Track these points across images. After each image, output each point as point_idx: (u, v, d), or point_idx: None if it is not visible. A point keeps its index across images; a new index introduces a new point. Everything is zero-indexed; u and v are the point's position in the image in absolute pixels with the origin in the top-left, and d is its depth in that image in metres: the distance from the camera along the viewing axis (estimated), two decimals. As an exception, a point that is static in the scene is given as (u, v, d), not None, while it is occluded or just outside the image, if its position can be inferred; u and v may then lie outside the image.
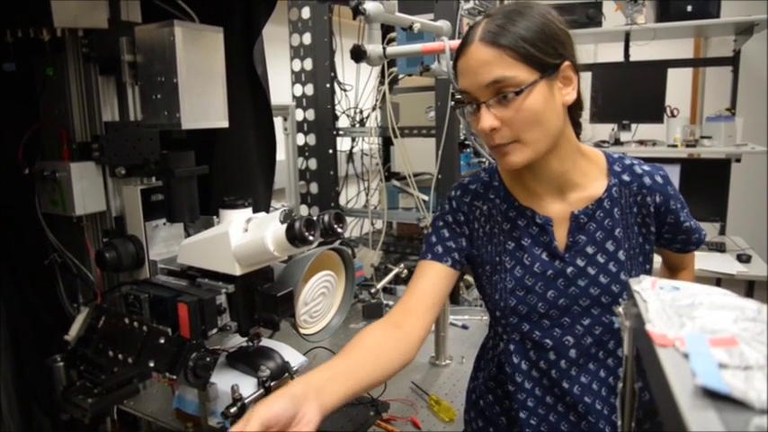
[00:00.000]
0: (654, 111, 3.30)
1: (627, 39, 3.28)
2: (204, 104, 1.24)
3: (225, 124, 1.30)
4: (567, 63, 0.99)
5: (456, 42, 1.78)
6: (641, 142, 3.35)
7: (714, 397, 0.51)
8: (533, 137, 0.99)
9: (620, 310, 0.84)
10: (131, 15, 1.36)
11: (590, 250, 1.09)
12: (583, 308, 1.09)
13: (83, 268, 1.38)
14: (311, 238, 1.08)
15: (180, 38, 1.16)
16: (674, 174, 3.16)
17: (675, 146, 3.23)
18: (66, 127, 1.34)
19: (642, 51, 3.35)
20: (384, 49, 1.86)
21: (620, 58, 3.41)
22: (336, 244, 1.34)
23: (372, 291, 2.36)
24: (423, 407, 1.68)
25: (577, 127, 1.11)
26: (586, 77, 3.35)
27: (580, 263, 1.09)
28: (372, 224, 3.10)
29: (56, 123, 1.35)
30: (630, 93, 3.31)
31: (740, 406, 0.49)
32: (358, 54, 1.85)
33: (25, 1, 1.20)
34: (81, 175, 1.32)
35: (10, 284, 1.34)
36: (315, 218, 1.11)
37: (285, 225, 1.09)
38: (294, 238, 1.07)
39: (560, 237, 1.11)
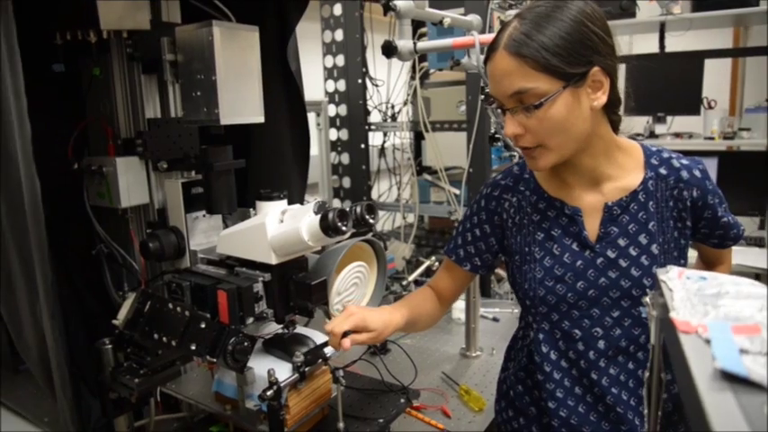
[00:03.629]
0: (690, 102, 3.24)
1: (662, 29, 3.21)
2: (241, 101, 1.28)
3: (261, 119, 1.34)
4: (596, 68, 0.97)
5: (486, 36, 1.80)
6: (677, 135, 3.29)
7: (733, 380, 0.53)
8: (557, 143, 1.00)
9: (648, 300, 0.85)
10: (171, 16, 1.41)
11: (622, 242, 1.09)
12: (613, 300, 1.10)
13: (128, 258, 1.44)
14: (344, 228, 1.12)
15: (218, 37, 1.20)
16: (711, 167, 3.09)
17: (712, 138, 3.16)
18: (111, 124, 1.40)
19: (678, 42, 3.28)
20: (415, 44, 1.89)
21: (654, 49, 3.35)
22: (369, 236, 1.38)
23: (404, 283, 2.40)
24: (453, 396, 1.71)
25: (615, 122, 1.10)
26: (620, 69, 3.30)
27: (611, 254, 1.09)
28: (404, 218, 3.13)
29: (102, 120, 1.41)
30: (666, 84, 3.24)
31: (758, 389, 0.51)
32: (389, 50, 1.87)
33: (74, 5, 1.27)
34: (126, 170, 1.37)
35: (60, 273, 1.41)
36: (347, 209, 1.15)
37: (319, 216, 1.14)
38: (328, 228, 1.11)
39: (592, 227, 1.11)
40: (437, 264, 2.44)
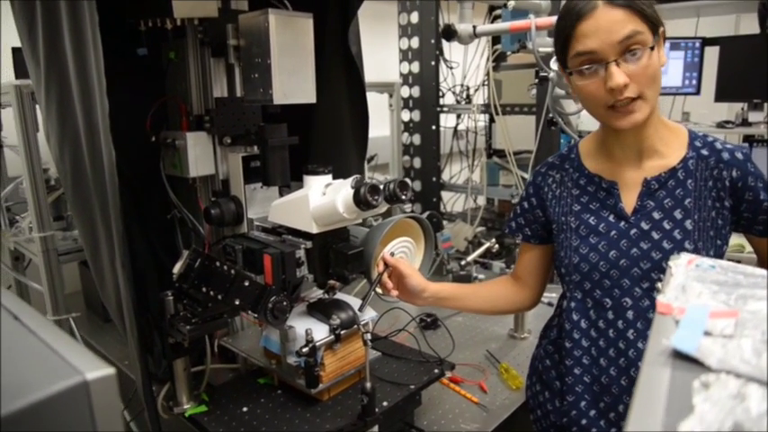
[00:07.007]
0: (792, 88, 2.99)
1: (763, 8, 2.98)
2: (294, 82, 1.38)
3: (312, 100, 1.43)
4: (662, 28, 1.07)
5: (543, 20, 1.80)
6: (773, 123, 3.05)
7: (682, 359, 0.57)
8: (652, 93, 1.07)
9: (659, 285, 0.88)
10: (240, 5, 1.54)
11: (657, 215, 1.14)
12: (643, 271, 1.14)
13: (196, 223, 1.60)
14: (374, 202, 1.20)
15: (273, 24, 1.31)
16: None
17: (814, 127, 2.91)
18: (185, 102, 1.56)
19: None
20: (474, 27, 1.92)
21: (749, 30, 3.12)
22: (416, 214, 1.45)
23: (462, 263, 2.45)
24: (493, 374, 1.77)
25: None
26: (713, 51, 3.11)
27: (645, 226, 1.14)
28: (474, 199, 3.16)
29: (177, 98, 1.57)
30: (766, 68, 3.02)
31: (700, 368, 0.55)
32: (448, 33, 1.92)
33: None
34: (195, 143, 1.52)
35: (139, 234, 1.60)
36: (381, 185, 1.23)
37: (354, 190, 1.23)
38: (360, 201, 1.20)
39: (630, 200, 1.17)
40: (497, 246, 2.47)
